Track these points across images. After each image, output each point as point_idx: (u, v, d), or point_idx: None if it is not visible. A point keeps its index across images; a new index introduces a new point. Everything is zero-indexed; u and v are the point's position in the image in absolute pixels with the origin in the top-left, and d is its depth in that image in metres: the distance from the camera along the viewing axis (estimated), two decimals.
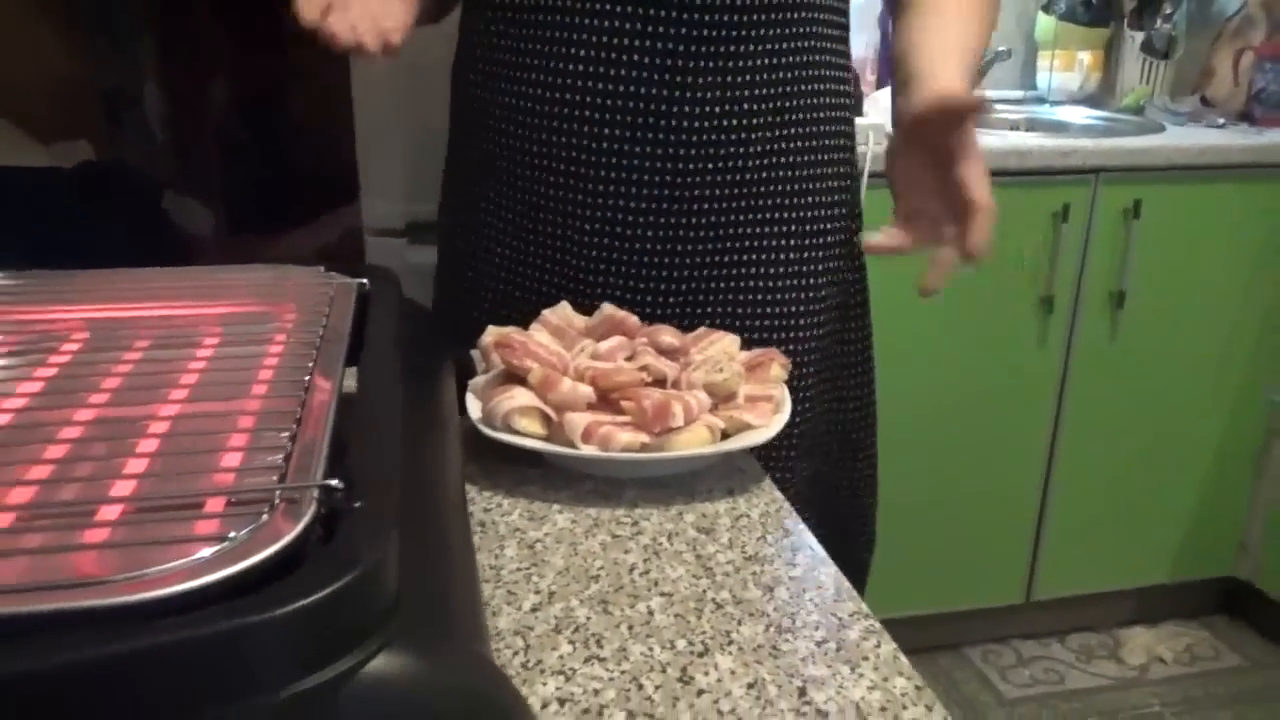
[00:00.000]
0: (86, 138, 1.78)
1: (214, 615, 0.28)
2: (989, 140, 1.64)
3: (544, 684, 0.43)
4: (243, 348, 0.54)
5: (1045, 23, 2.02)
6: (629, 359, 0.66)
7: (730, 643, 0.46)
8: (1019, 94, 2.11)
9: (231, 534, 0.32)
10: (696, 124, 0.77)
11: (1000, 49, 1.97)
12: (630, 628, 0.47)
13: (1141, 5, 1.97)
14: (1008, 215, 1.56)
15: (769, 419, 0.63)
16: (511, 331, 0.67)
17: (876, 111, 1.63)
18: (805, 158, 0.83)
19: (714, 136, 0.78)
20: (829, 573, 0.52)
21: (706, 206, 0.79)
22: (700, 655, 0.45)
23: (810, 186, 0.83)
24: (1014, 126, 1.86)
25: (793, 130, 0.81)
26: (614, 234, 0.79)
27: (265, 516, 0.33)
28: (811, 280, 0.85)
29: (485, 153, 0.84)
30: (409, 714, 0.30)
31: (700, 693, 0.43)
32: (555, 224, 0.80)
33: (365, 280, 0.62)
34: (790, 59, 0.80)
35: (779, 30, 0.79)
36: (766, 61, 0.78)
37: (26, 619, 0.29)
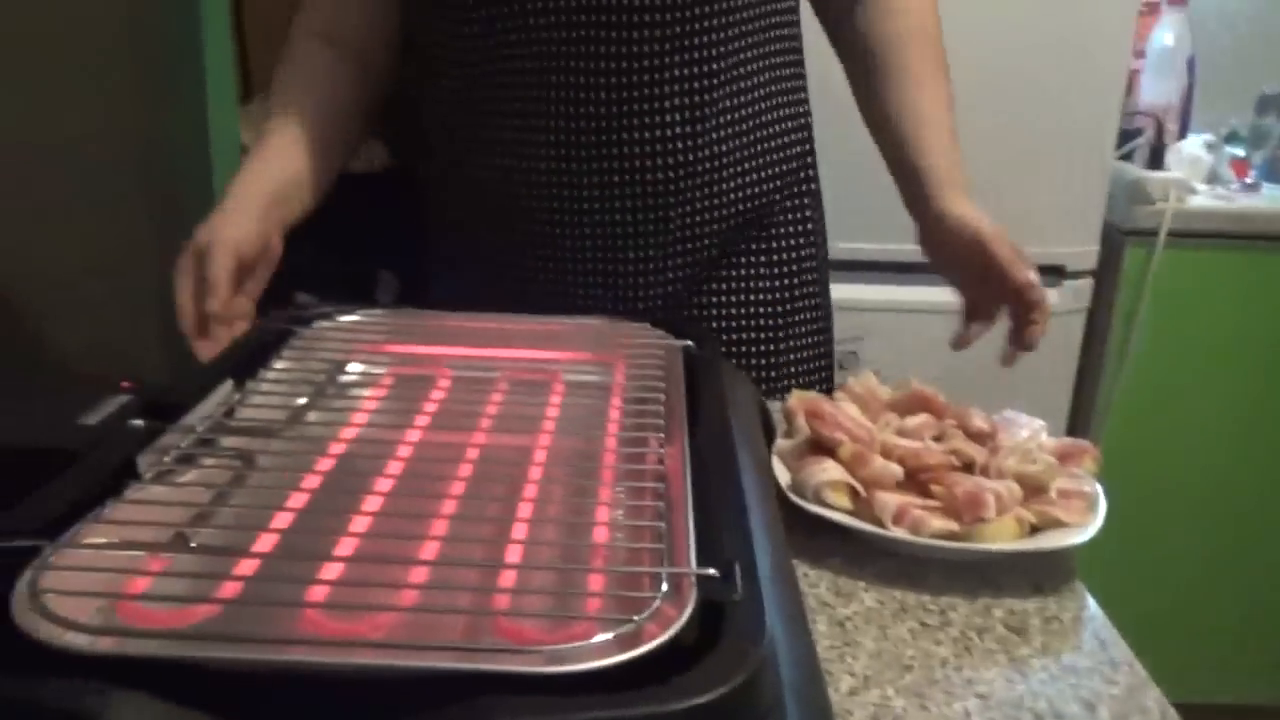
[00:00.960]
0: (383, 141, 1.94)
1: (636, 699, 0.31)
2: None
3: None
4: (585, 401, 0.59)
5: None
6: (936, 439, 0.67)
7: None
8: None
9: (635, 617, 0.35)
10: (660, 137, 0.80)
11: None
12: None
13: None
14: None
15: (1083, 517, 0.62)
16: (819, 399, 0.69)
17: (1178, 163, 1.53)
18: (767, 171, 0.87)
19: (677, 145, 0.81)
20: (1154, 696, 0.51)
21: (671, 224, 0.83)
22: None
23: (774, 199, 0.87)
24: None
25: (750, 138, 0.85)
26: (577, 246, 0.84)
27: (657, 602, 0.36)
28: (787, 306, 0.89)
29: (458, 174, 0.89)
30: None
31: None
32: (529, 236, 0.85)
33: (691, 342, 0.66)
34: (746, 70, 0.83)
35: (738, 42, 0.82)
36: (727, 64, 0.82)
37: (464, 677, 0.33)
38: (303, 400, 0.55)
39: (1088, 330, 1.52)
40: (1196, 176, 1.53)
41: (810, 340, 0.91)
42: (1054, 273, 1.46)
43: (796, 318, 0.90)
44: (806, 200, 0.91)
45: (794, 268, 0.90)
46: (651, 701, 0.31)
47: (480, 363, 0.64)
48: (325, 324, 0.66)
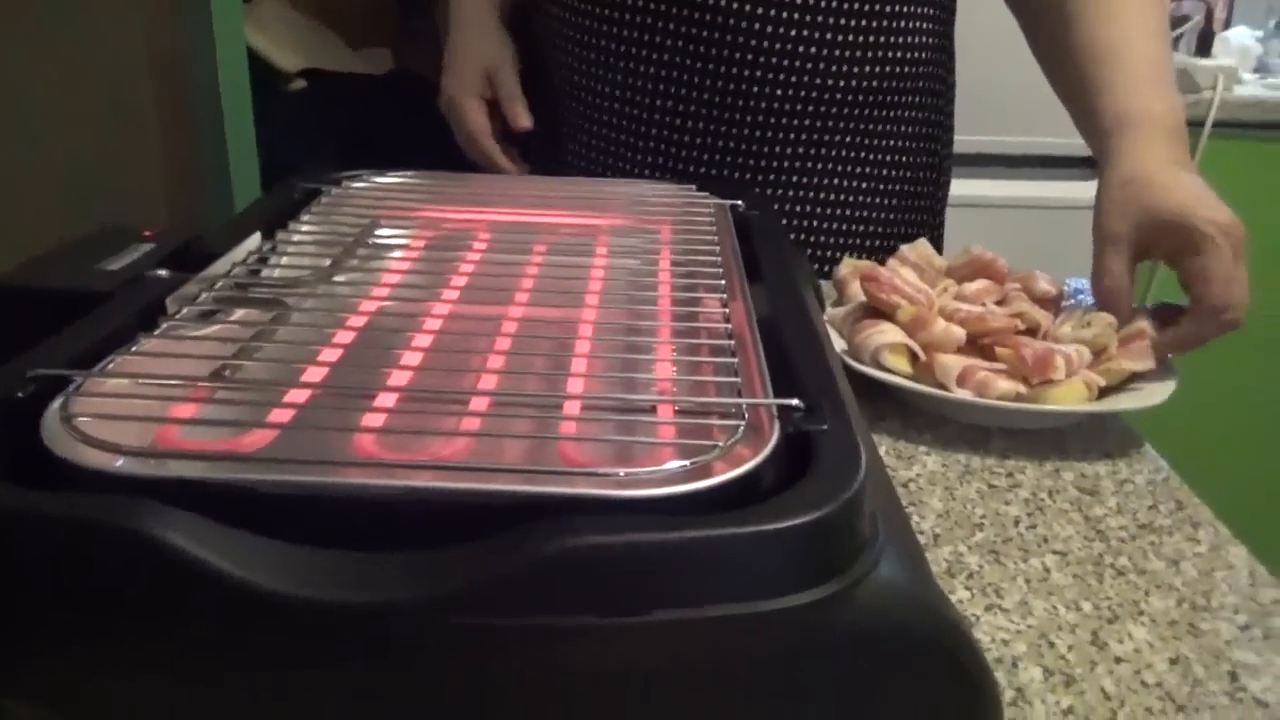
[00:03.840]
0: (387, 46, 1.89)
1: (727, 520, 0.29)
2: None
3: None
4: (633, 259, 0.56)
5: None
6: (999, 303, 0.64)
7: (1141, 613, 0.44)
8: None
9: (719, 443, 0.33)
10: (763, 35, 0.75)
11: None
12: (1028, 582, 0.45)
13: None
14: None
15: (1148, 359, 0.59)
16: (873, 265, 0.66)
17: (1226, 52, 1.47)
18: (887, 84, 0.78)
19: (787, 46, 0.76)
20: (1239, 554, 0.48)
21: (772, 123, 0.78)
22: (1110, 622, 0.43)
23: (887, 128, 0.80)
24: None
25: (875, 54, 0.77)
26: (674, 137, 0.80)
27: (739, 431, 0.34)
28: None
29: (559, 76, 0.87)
30: (890, 636, 0.30)
31: (1118, 660, 0.41)
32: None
33: (741, 202, 0.62)
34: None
35: None
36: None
37: (532, 501, 0.30)
38: (334, 257, 0.52)
39: None
40: (1245, 66, 1.47)
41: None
42: (1087, 164, 1.41)
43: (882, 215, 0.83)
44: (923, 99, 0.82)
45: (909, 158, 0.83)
46: (748, 522, 0.29)
47: (519, 227, 0.60)
48: (356, 184, 0.63)
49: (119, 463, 0.31)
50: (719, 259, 0.52)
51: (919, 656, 0.30)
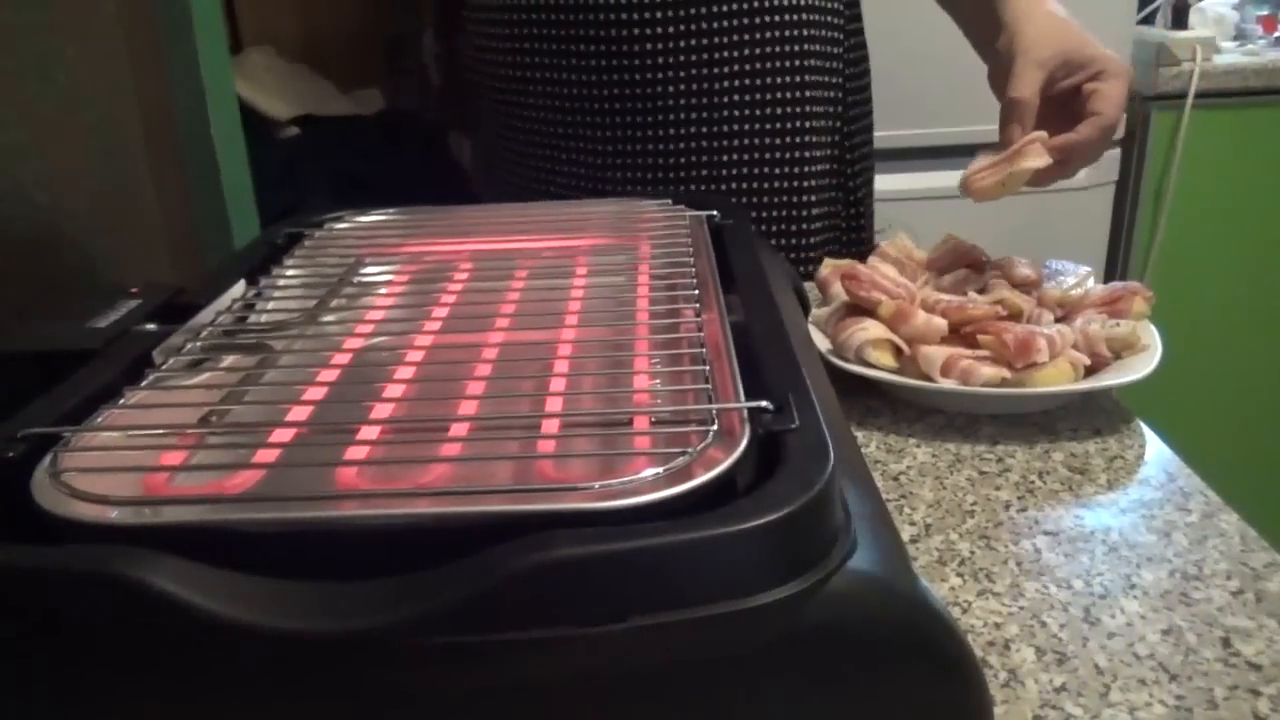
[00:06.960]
0: (377, 85, 1.91)
1: (699, 523, 0.29)
2: None
3: None
4: (613, 277, 0.57)
5: None
6: (980, 291, 0.64)
7: (1133, 587, 0.44)
8: None
9: (688, 450, 0.33)
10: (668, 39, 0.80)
11: None
12: (1019, 564, 0.46)
13: None
14: None
15: (1044, 157, 0.59)
16: (853, 263, 0.67)
17: (1203, 24, 1.48)
18: (789, 68, 0.83)
19: (685, 43, 0.80)
20: (1230, 520, 0.49)
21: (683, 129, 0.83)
22: (1102, 597, 0.43)
23: (794, 109, 0.84)
24: None
25: (771, 50, 0.82)
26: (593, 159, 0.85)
27: (710, 436, 0.34)
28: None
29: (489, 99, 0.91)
30: (866, 626, 0.31)
31: (1111, 635, 0.41)
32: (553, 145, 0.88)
33: (716, 212, 0.63)
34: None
35: None
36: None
37: (518, 520, 0.31)
38: (319, 298, 0.53)
39: (1117, 203, 1.48)
40: (1223, 36, 1.47)
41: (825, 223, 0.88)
42: None
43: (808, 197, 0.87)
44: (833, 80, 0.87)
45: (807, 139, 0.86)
46: (717, 524, 0.30)
47: (501, 254, 0.61)
48: (339, 225, 0.64)
49: (108, 514, 0.32)
50: (694, 271, 0.53)
51: (897, 644, 0.31)
